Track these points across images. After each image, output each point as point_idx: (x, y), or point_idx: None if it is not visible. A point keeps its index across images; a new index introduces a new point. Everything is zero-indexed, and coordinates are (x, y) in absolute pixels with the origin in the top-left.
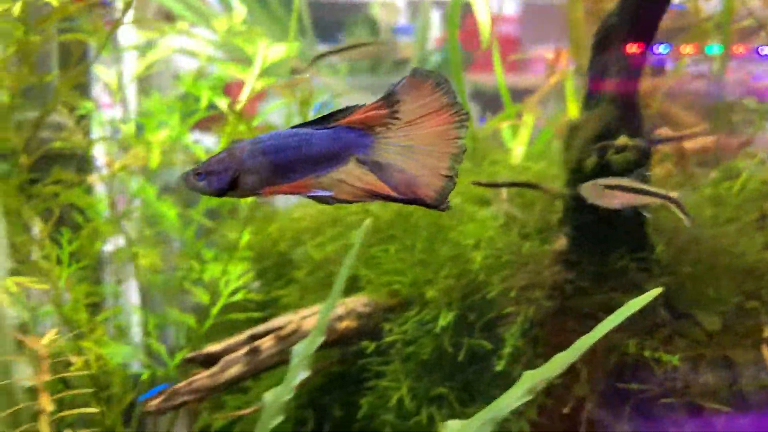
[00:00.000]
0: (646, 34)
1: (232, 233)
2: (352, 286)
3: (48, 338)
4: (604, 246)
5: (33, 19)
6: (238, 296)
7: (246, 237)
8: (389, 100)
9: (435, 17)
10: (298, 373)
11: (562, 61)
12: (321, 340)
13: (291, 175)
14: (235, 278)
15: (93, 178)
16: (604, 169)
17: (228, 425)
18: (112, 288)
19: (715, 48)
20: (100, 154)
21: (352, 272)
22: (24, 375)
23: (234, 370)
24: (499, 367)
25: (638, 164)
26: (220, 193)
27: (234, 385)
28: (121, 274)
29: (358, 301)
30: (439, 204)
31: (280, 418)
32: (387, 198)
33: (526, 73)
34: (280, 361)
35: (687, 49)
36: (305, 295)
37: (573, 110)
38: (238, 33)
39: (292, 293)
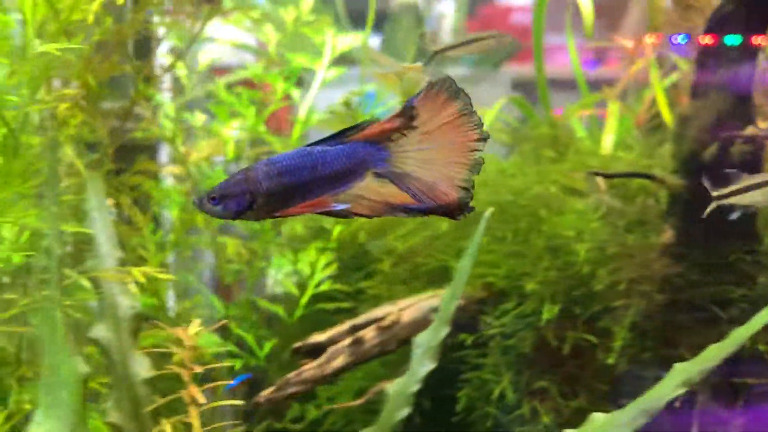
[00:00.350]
0: (762, 22)
1: (297, 225)
2: (443, 278)
3: (194, 329)
4: (714, 238)
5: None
6: (324, 287)
7: (338, 229)
8: (407, 112)
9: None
10: (424, 364)
11: (645, 51)
12: (446, 330)
13: (308, 195)
14: (320, 269)
15: (173, 169)
16: (721, 161)
17: (322, 416)
18: (188, 278)
19: None
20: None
21: (444, 264)
22: (141, 366)
23: (339, 361)
24: (610, 360)
25: (757, 156)
26: (237, 216)
27: (339, 376)
28: (193, 264)
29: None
30: (455, 215)
31: (406, 411)
32: (406, 210)
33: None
34: (382, 351)
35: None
36: (391, 287)
37: (661, 99)
38: (306, 22)
39: (378, 285)
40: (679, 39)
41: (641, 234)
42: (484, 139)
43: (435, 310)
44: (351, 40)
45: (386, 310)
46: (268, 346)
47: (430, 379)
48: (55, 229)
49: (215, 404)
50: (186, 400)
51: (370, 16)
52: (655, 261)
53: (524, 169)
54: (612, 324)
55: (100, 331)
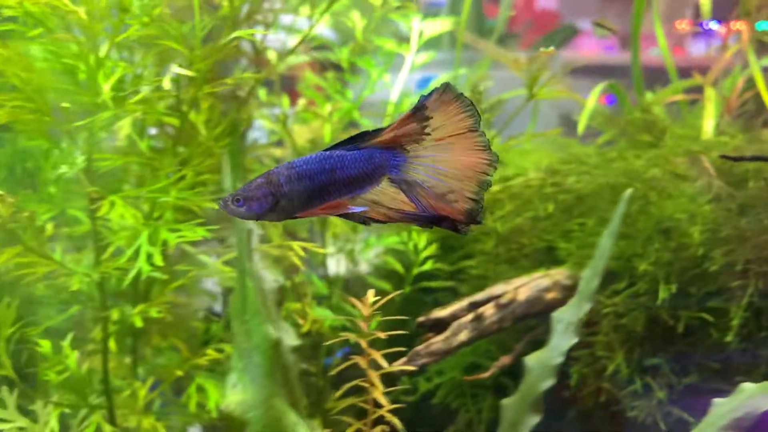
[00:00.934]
0: None
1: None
2: (548, 259)
3: (371, 297)
4: None
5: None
6: (427, 266)
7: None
8: (419, 114)
9: None
10: (566, 338)
11: (742, 35)
12: (587, 307)
13: (326, 198)
14: (422, 247)
15: (274, 151)
16: None
17: (433, 389)
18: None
19: None
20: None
21: (549, 245)
22: (288, 336)
23: (463, 336)
24: (728, 338)
25: None
26: (259, 217)
27: (461, 349)
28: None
29: (561, 274)
30: (461, 228)
31: (550, 382)
32: (415, 218)
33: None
34: (500, 328)
35: None
36: (495, 267)
37: (761, 84)
38: (393, 9)
39: (481, 264)
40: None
41: (754, 217)
42: (493, 164)
43: (547, 289)
44: (438, 25)
45: (503, 289)
46: (375, 322)
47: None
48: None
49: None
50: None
51: (467, 1)
52: None
53: (624, 154)
54: (726, 304)
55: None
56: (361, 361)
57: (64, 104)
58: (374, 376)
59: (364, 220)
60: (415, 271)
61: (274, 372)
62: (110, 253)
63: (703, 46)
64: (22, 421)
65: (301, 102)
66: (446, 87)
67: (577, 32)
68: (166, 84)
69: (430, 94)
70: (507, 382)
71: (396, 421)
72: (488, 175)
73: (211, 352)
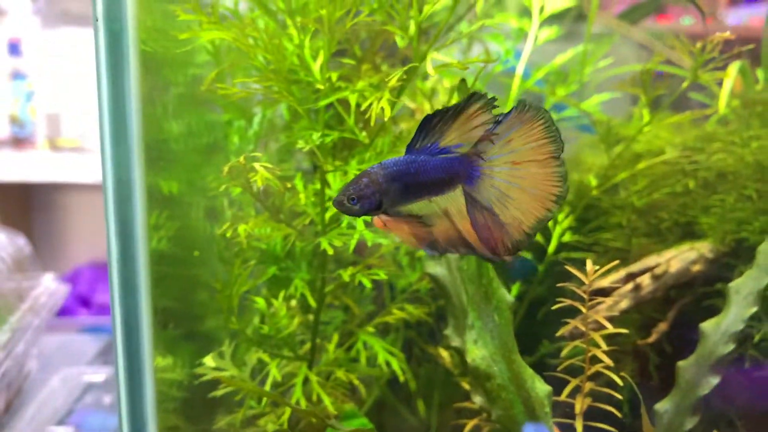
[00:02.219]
0: None
1: None
2: (686, 233)
3: (591, 265)
4: None
5: None
6: (566, 237)
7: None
8: (498, 132)
9: None
10: (746, 307)
11: None
12: (766, 279)
13: (411, 198)
14: (561, 220)
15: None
16: None
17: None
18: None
19: None
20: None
21: (688, 220)
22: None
23: (624, 303)
24: None
25: None
26: (365, 214)
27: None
28: None
29: (705, 247)
30: (502, 257)
31: (731, 346)
32: (470, 248)
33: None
34: (653, 297)
35: None
36: (633, 239)
37: None
38: None
39: (618, 237)
40: None
41: None
42: (563, 197)
43: (695, 261)
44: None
45: (656, 260)
46: (515, 290)
47: (675, 325)
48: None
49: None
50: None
51: None
52: None
53: (759, 133)
54: None
55: (436, 268)
56: (581, 325)
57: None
58: (595, 336)
59: (432, 250)
60: (555, 242)
61: (510, 331)
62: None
63: (742, 15)
64: (235, 371)
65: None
66: (526, 105)
67: (661, 4)
68: (430, 69)
69: (509, 112)
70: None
71: (614, 376)
72: (552, 212)
73: (397, 312)
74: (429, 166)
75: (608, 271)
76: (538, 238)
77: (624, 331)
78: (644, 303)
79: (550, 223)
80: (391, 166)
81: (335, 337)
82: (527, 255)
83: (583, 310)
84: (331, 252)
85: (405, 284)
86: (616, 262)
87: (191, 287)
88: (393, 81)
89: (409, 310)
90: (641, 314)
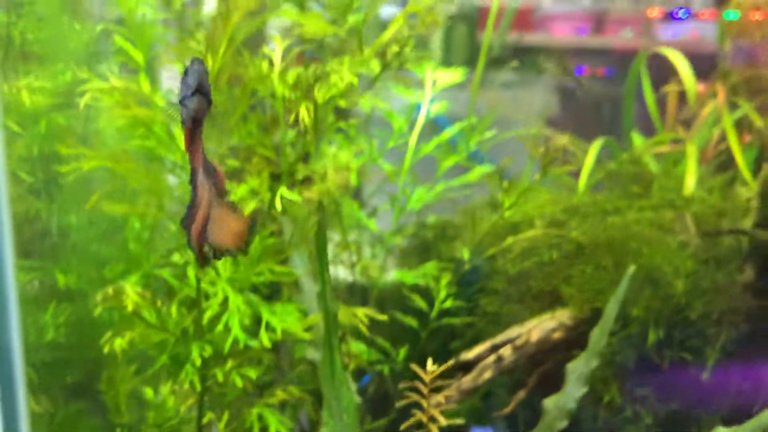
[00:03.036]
0: None
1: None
2: (553, 300)
3: (430, 366)
4: None
5: None
6: (448, 303)
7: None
8: None
9: None
10: (578, 388)
11: (719, 95)
12: (596, 362)
13: None
14: (443, 286)
15: None
16: None
17: None
18: None
19: None
20: None
21: (553, 288)
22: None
23: (487, 374)
24: (705, 375)
25: None
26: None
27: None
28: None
29: (565, 315)
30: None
31: (565, 423)
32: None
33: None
34: (515, 366)
35: None
36: (505, 305)
37: (732, 140)
38: None
39: (494, 302)
40: None
41: (727, 272)
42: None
43: (555, 330)
44: (450, 76)
45: (518, 332)
46: (402, 352)
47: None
48: None
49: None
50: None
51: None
52: (740, 296)
53: (618, 204)
54: (703, 345)
55: (314, 354)
56: (422, 417)
57: None
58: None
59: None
60: (438, 306)
61: (357, 429)
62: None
63: (673, 32)
64: None
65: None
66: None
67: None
68: None
69: None
70: None
71: None
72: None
73: (279, 393)
74: None
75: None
76: (421, 303)
77: (460, 421)
78: (507, 372)
79: (434, 291)
80: None
81: (225, 415)
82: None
83: (424, 404)
84: (209, 353)
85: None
86: (451, 362)
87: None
88: None
89: (291, 391)
90: (510, 378)
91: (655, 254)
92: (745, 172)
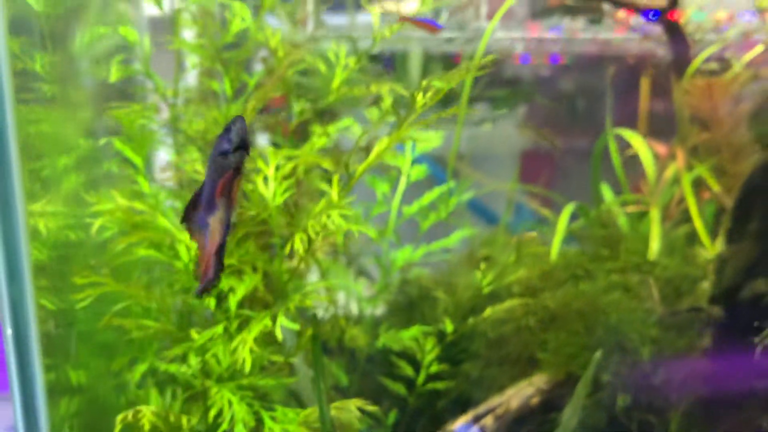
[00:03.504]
0: None
1: None
2: (531, 366)
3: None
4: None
5: None
6: (434, 368)
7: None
8: None
9: None
10: None
11: (678, 158)
12: None
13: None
14: (429, 350)
15: None
16: (756, 302)
17: None
18: None
19: None
20: None
21: (530, 353)
22: None
23: None
24: None
25: None
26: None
27: None
28: None
29: (541, 380)
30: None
31: None
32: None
33: None
34: None
35: None
36: (486, 369)
37: (692, 203)
38: None
39: (476, 367)
40: None
41: (688, 339)
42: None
43: (532, 396)
44: (431, 138)
45: (498, 401)
46: (391, 416)
47: None
48: None
49: None
50: None
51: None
52: (698, 363)
53: (588, 267)
54: (668, 410)
55: None
56: None
57: None
58: None
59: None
60: (424, 373)
61: None
62: None
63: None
64: None
65: None
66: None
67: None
68: None
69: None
70: None
71: None
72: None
73: None
74: None
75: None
76: (408, 370)
77: None
78: None
79: (419, 355)
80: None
81: None
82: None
83: None
84: None
85: None
86: None
87: None
88: None
89: None
90: None
91: (622, 322)
92: (703, 237)
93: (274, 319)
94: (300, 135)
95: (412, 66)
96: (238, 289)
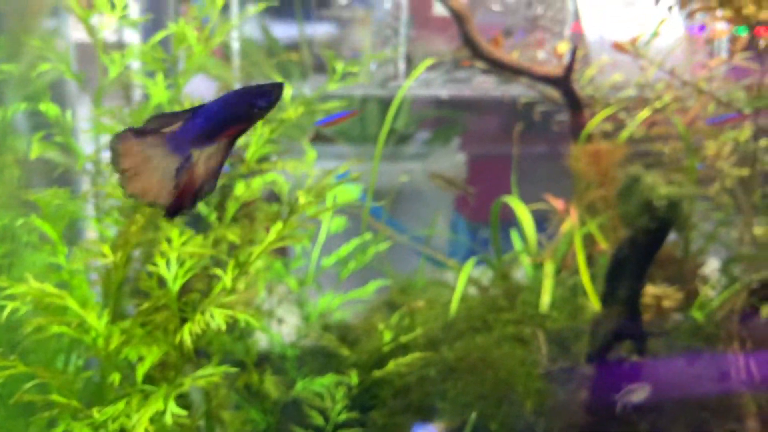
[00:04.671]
0: (645, 267)
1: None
2: (432, 414)
3: None
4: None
5: None
6: (343, 417)
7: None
8: None
9: None
10: None
11: (571, 215)
12: None
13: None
14: (341, 397)
15: None
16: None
17: None
18: None
19: None
20: None
21: (432, 402)
22: None
23: None
24: None
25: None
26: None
27: None
28: None
29: (439, 427)
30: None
31: None
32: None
33: None
34: None
35: None
36: (391, 417)
37: (582, 263)
38: None
39: (383, 415)
40: None
41: (570, 392)
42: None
43: None
44: (349, 192)
45: None
46: None
47: None
48: None
49: None
50: None
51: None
52: (578, 415)
53: (487, 317)
54: None
55: None
56: None
57: None
58: None
59: None
60: (334, 420)
61: None
62: None
63: None
64: None
65: None
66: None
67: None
68: None
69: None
70: None
71: None
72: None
73: None
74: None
75: None
76: (318, 419)
77: None
78: None
79: (328, 402)
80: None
81: None
82: None
83: None
84: None
85: None
86: None
87: None
88: None
89: None
90: None
91: (510, 375)
92: (589, 291)
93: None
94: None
95: None
96: (147, 357)
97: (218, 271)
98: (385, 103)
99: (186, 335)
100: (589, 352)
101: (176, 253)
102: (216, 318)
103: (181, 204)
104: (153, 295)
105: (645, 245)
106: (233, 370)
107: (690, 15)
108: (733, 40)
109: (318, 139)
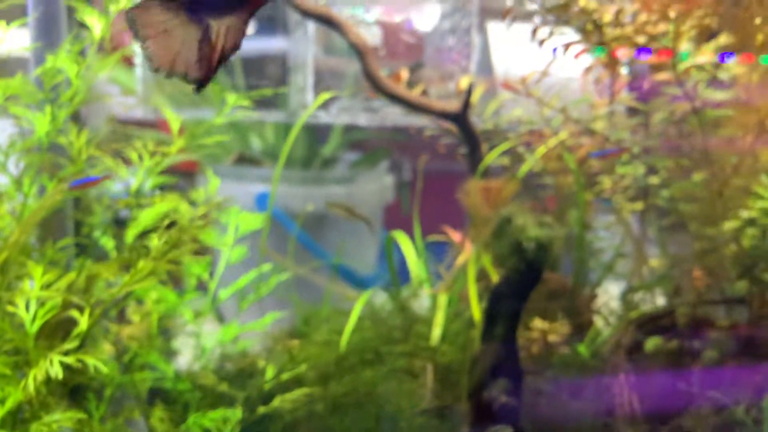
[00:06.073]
0: (521, 305)
1: None
2: None
3: None
4: None
5: None
6: None
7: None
8: None
9: None
10: None
11: (466, 246)
12: None
13: None
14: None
15: None
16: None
17: None
18: None
19: None
20: None
21: None
22: None
23: None
24: None
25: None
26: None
27: None
28: None
29: None
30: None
31: None
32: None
33: None
34: None
35: None
36: None
37: (473, 297)
38: None
39: None
40: None
41: (448, 428)
42: None
43: None
44: (254, 221)
45: None
46: None
47: None
48: None
49: None
50: None
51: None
52: None
53: (381, 349)
54: None
55: None
56: None
57: None
58: None
59: None
60: None
61: None
62: None
63: None
64: None
65: None
66: None
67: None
68: None
69: None
70: None
71: None
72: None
73: None
74: None
75: None
76: None
77: None
78: None
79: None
80: None
81: None
82: None
83: None
84: None
85: None
86: None
87: None
88: None
89: None
90: None
91: (396, 410)
92: (479, 325)
93: None
94: None
95: None
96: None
97: (75, 313)
98: (310, 129)
99: (30, 381)
100: (469, 389)
101: (36, 294)
102: (54, 365)
103: (208, 75)
104: (6, 338)
105: (518, 284)
106: (82, 416)
107: (576, 56)
108: (614, 79)
109: (243, 160)
